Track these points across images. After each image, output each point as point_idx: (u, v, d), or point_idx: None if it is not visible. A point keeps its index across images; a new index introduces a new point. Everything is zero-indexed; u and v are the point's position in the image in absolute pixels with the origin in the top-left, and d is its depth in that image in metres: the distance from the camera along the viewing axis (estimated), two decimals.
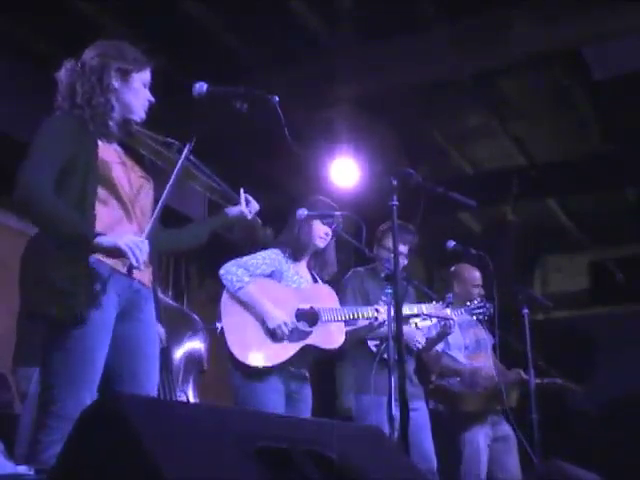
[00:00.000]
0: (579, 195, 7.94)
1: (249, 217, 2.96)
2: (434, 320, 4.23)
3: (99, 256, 2.42)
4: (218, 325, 3.59)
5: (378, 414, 3.76)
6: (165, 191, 2.53)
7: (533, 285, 9.08)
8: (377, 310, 3.73)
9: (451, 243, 4.39)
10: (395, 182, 3.24)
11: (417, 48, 5.46)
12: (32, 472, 2.29)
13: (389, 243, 4.15)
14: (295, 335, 3.54)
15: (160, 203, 2.53)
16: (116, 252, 2.36)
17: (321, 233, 3.75)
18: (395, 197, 3.22)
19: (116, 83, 2.57)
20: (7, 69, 5.24)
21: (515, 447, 4.59)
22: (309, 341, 3.56)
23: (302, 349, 3.54)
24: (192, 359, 4.70)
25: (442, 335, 4.33)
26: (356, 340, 3.93)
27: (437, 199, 3.36)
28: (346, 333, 3.72)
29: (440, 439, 4.23)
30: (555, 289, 9.25)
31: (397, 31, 5.32)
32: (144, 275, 2.59)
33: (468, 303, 4.44)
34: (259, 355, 3.49)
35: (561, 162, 7.24)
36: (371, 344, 4.05)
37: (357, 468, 1.84)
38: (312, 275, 3.83)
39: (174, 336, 4.35)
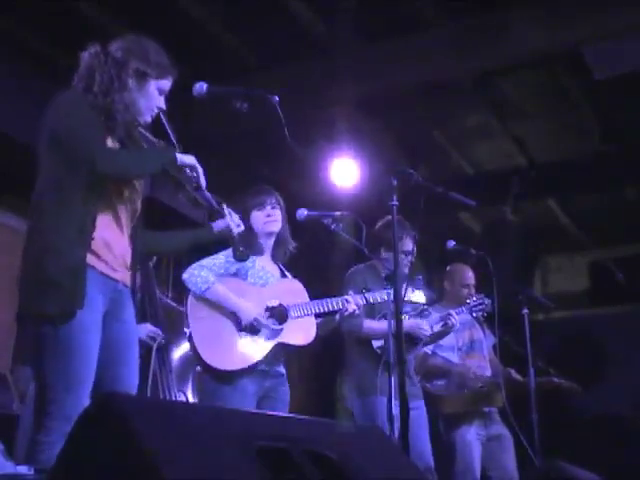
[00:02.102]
0: (579, 195, 7.93)
1: (235, 231, 2.89)
2: (435, 316, 4.24)
3: (88, 259, 2.44)
4: (186, 330, 3.49)
5: (384, 417, 3.72)
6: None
7: (533, 285, 9.07)
8: (347, 300, 3.62)
9: (451, 243, 4.40)
10: (395, 182, 3.25)
11: (417, 48, 5.46)
12: (32, 472, 2.29)
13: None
14: (266, 334, 3.46)
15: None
16: (192, 169, 2.58)
17: (263, 218, 3.62)
18: (395, 197, 3.23)
19: (131, 82, 2.57)
20: (7, 69, 5.24)
21: (511, 446, 4.58)
22: (280, 339, 3.48)
23: (274, 348, 3.46)
24: (191, 359, 4.70)
25: (443, 333, 4.32)
26: (329, 331, 3.77)
27: (437, 199, 3.36)
28: (318, 325, 3.62)
29: (432, 440, 4.21)
30: (555, 289, 9.24)
31: (397, 31, 5.32)
32: (126, 276, 2.61)
33: (468, 301, 4.43)
34: (230, 358, 3.39)
35: (561, 162, 7.23)
36: (375, 345, 4.02)
37: (357, 468, 1.84)
38: (279, 268, 3.73)
39: (173, 336, 4.35)
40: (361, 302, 3.67)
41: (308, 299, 3.65)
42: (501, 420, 4.64)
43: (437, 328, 4.23)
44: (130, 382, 2.58)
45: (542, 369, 4.96)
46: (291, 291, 3.65)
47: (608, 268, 8.64)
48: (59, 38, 5.17)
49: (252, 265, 3.57)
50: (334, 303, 3.62)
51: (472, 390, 4.59)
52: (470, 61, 5.43)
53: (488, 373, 4.69)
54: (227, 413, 2.04)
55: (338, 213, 3.74)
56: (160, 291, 3.77)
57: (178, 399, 4.32)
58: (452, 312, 4.26)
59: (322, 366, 7.52)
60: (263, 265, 3.63)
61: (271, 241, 3.69)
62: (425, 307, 4.24)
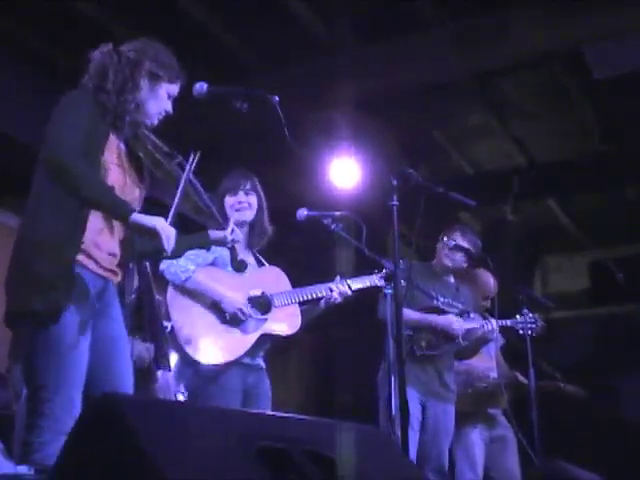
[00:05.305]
0: (579, 195, 7.93)
1: (228, 245, 2.90)
2: (476, 324, 4.26)
3: (78, 257, 2.42)
4: (167, 324, 3.41)
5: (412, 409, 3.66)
6: (172, 210, 2.49)
7: (533, 285, 9.07)
8: (331, 288, 3.54)
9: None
10: (395, 182, 3.25)
11: (417, 48, 5.45)
12: (32, 472, 2.29)
13: (460, 241, 4.23)
14: (250, 325, 3.37)
15: (171, 213, 2.49)
16: (151, 233, 2.39)
17: (236, 205, 3.50)
18: (395, 197, 3.23)
19: (144, 83, 2.57)
20: (7, 69, 5.23)
21: (514, 447, 4.59)
22: (265, 330, 3.39)
23: (259, 339, 3.37)
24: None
25: (481, 340, 4.34)
26: (313, 319, 3.68)
27: (437, 199, 3.36)
28: (302, 313, 3.54)
29: None
30: (555, 289, 9.24)
31: (397, 31, 5.32)
32: (116, 275, 2.60)
33: (518, 317, 4.41)
34: (215, 352, 3.29)
35: (561, 162, 7.23)
36: (405, 334, 3.94)
37: (357, 468, 1.84)
38: (254, 255, 3.63)
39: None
40: (345, 289, 3.58)
41: (290, 287, 3.57)
42: (506, 422, 4.65)
43: (470, 332, 4.24)
44: (126, 375, 2.56)
45: (547, 372, 4.96)
46: (273, 279, 3.56)
47: (608, 268, 8.63)
48: (59, 38, 5.17)
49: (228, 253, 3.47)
50: (318, 291, 3.55)
51: (476, 390, 4.60)
52: (470, 61, 5.42)
53: (494, 374, 4.70)
54: (227, 413, 2.04)
55: (338, 213, 3.73)
56: (158, 292, 3.72)
57: (177, 399, 4.32)
58: (492, 320, 4.28)
59: (322, 365, 7.52)
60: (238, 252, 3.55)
61: (245, 228, 3.54)
62: (467, 310, 4.27)
